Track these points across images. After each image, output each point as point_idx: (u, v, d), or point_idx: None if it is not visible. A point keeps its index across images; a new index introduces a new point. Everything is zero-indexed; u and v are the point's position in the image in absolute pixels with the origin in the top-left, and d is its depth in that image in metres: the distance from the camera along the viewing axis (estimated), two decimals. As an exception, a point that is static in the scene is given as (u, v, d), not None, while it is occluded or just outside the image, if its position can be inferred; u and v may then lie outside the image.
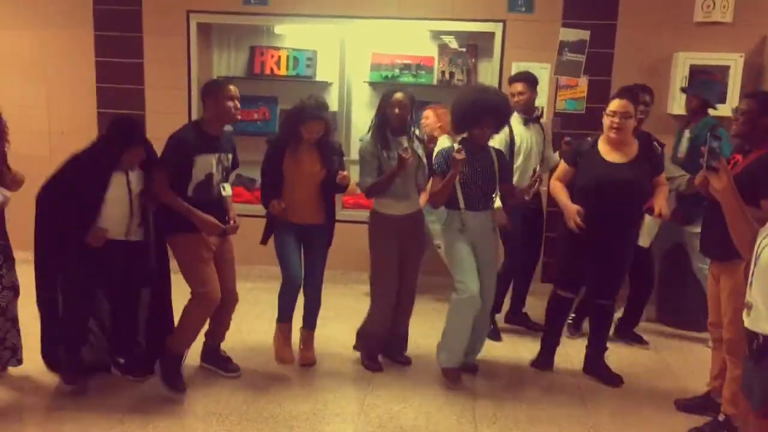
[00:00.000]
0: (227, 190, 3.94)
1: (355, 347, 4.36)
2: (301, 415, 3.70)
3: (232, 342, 4.32)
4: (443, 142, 4.81)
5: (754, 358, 2.43)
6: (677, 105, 5.33)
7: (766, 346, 2.37)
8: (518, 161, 4.67)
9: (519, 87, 4.74)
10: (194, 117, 5.88)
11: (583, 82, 5.53)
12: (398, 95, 4.00)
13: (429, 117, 5.21)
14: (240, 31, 6.16)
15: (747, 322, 2.45)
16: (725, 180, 2.47)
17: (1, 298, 3.77)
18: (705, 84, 5.02)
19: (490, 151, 4.05)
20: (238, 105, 3.82)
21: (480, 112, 3.84)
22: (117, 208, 3.68)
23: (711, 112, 4.86)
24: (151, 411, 3.66)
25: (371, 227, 4.17)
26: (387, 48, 6.03)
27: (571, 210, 3.95)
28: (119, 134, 3.67)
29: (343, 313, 5.08)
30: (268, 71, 6.08)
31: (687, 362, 4.61)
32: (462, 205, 3.94)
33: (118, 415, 3.60)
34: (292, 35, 6.16)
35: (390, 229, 4.09)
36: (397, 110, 3.98)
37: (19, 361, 3.94)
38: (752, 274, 2.40)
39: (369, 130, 4.12)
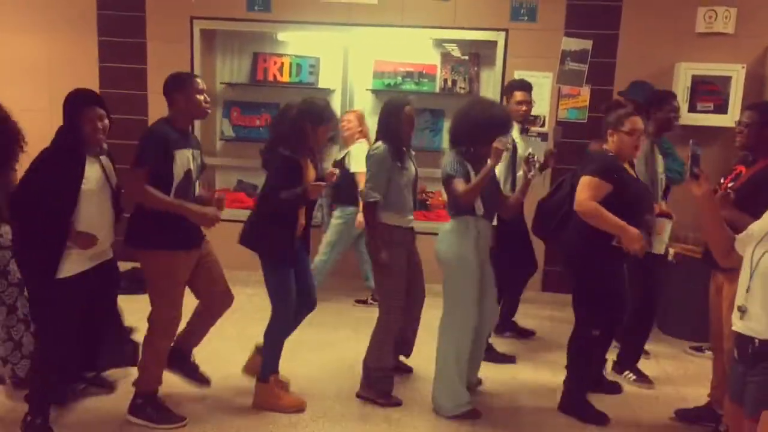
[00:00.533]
0: (198, 188, 3.71)
1: (362, 394, 3.97)
2: (300, 422, 3.69)
3: (236, 350, 4.31)
4: (362, 147, 4.95)
5: (749, 363, 2.44)
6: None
7: (762, 351, 2.39)
8: (519, 171, 4.64)
9: (522, 96, 4.68)
10: (196, 124, 5.89)
11: (585, 91, 5.55)
12: (409, 109, 3.86)
13: (351, 121, 5.28)
14: (243, 37, 6.19)
15: (740, 326, 2.47)
16: (705, 187, 2.60)
17: (8, 295, 3.70)
18: (636, 86, 5.02)
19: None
20: (208, 98, 3.59)
21: (492, 129, 3.68)
22: (96, 205, 3.37)
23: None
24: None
25: (382, 241, 3.82)
26: (390, 56, 6.05)
27: (634, 233, 3.50)
28: (70, 103, 3.42)
29: (340, 320, 5.08)
30: (271, 78, 6.10)
31: (687, 372, 4.60)
32: (480, 211, 3.73)
33: None
34: (295, 42, 6.18)
35: (401, 246, 3.92)
36: (410, 125, 3.91)
37: None
38: (750, 280, 2.43)
39: (375, 142, 3.94)
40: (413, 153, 4.07)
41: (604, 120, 3.87)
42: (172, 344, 3.69)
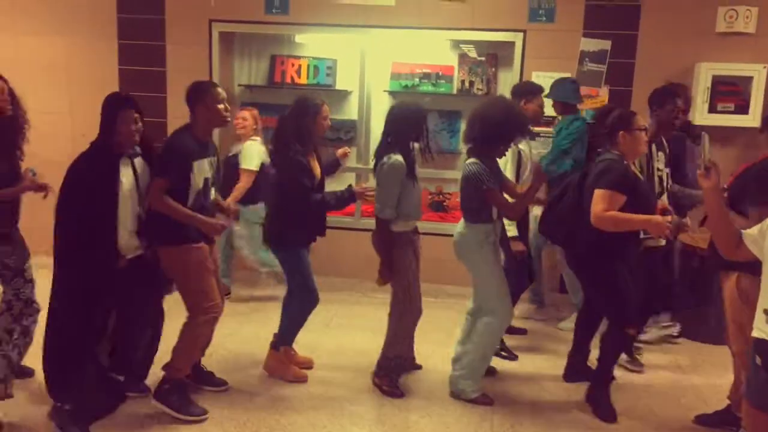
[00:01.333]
0: (213, 194, 3.80)
1: (377, 382, 4.12)
2: (318, 422, 3.71)
3: (250, 349, 4.33)
4: (254, 145, 5.12)
5: None
6: (699, 114, 5.29)
7: None
8: (525, 174, 4.59)
9: (542, 101, 4.70)
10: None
11: (603, 92, 5.51)
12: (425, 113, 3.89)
13: (247, 119, 5.31)
14: (261, 40, 6.22)
15: (765, 330, 2.41)
16: (713, 180, 2.62)
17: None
18: (559, 86, 5.00)
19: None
20: (228, 107, 3.70)
21: (514, 130, 3.81)
22: (125, 205, 3.44)
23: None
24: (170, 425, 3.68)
25: (389, 244, 3.89)
26: (407, 57, 6.05)
27: (659, 221, 3.53)
28: (107, 105, 3.43)
29: (357, 322, 5.08)
30: (288, 80, 6.13)
31: (709, 376, 4.55)
32: (495, 215, 3.90)
33: None
34: (312, 44, 6.20)
35: (409, 246, 3.98)
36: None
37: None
38: (763, 281, 2.40)
39: (387, 150, 3.84)
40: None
41: (604, 126, 3.86)
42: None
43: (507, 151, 3.96)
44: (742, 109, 5.27)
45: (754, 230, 2.55)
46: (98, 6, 6.00)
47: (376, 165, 3.90)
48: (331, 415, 3.80)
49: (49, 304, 3.46)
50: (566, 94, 4.91)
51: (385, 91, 6.06)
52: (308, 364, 4.37)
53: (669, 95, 4.43)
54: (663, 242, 4.25)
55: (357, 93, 5.97)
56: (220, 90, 3.65)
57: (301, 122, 3.93)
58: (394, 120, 3.86)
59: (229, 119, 3.74)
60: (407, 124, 3.84)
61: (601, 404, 3.90)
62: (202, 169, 3.60)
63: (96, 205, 3.35)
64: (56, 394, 3.48)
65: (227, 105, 3.67)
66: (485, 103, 3.91)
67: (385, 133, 3.89)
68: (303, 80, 6.12)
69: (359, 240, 4.46)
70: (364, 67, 5.87)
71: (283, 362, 4.21)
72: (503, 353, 4.66)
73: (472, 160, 3.84)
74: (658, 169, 4.32)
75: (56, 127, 5.97)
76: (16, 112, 3.61)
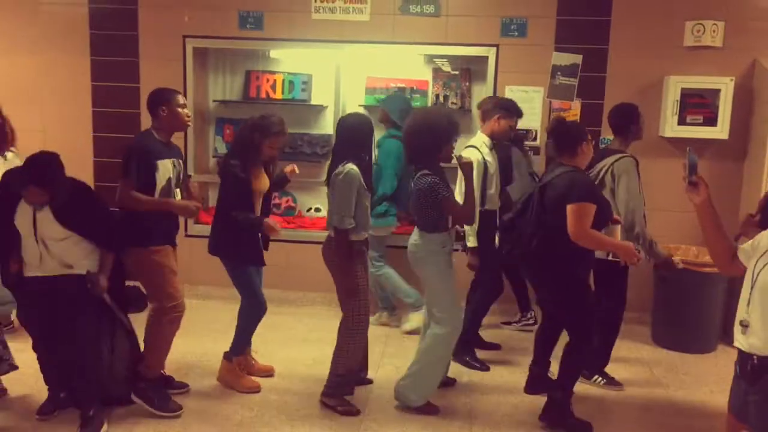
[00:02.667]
0: (178, 195, 3.95)
1: (326, 402, 4.05)
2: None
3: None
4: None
5: (749, 380, 2.43)
6: (669, 127, 5.39)
7: (761, 367, 2.38)
8: (491, 189, 4.64)
9: (515, 122, 4.75)
10: (190, 141, 5.91)
11: (576, 105, 5.59)
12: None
13: None
14: (236, 55, 6.21)
15: (741, 341, 2.46)
16: (703, 195, 2.57)
17: None
18: (390, 98, 5.17)
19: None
20: (189, 113, 3.94)
21: (446, 132, 3.84)
22: (27, 242, 3.53)
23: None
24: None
25: (348, 256, 3.89)
26: (382, 71, 6.08)
27: (630, 248, 3.77)
28: (25, 169, 3.45)
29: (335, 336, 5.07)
30: (263, 95, 6.12)
31: (682, 384, 4.61)
32: (450, 224, 3.95)
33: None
34: (287, 60, 6.21)
35: (360, 257, 4.00)
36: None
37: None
38: (750, 293, 2.42)
39: (337, 161, 3.88)
40: None
41: (562, 139, 3.87)
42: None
43: (452, 152, 3.95)
44: (711, 121, 5.36)
45: (747, 245, 2.57)
46: (71, 22, 5.95)
47: (329, 177, 3.92)
48: (310, 427, 3.79)
49: None
50: (388, 105, 5.11)
51: (360, 105, 6.08)
52: (269, 373, 4.46)
53: (637, 109, 4.50)
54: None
55: (332, 108, 5.98)
56: (179, 97, 3.90)
57: (254, 138, 4.04)
58: (343, 131, 3.92)
59: (189, 123, 3.98)
60: (357, 136, 3.90)
61: (567, 420, 3.86)
62: (166, 168, 3.80)
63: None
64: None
65: (187, 111, 3.92)
66: (409, 122, 3.94)
67: (336, 145, 3.96)
68: (278, 95, 6.12)
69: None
70: (339, 82, 5.89)
71: (236, 373, 4.25)
72: (475, 364, 4.68)
73: (423, 171, 3.86)
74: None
75: (30, 143, 5.87)
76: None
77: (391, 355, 4.81)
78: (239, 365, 4.30)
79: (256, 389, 4.21)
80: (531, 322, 5.50)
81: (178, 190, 3.94)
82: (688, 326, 5.18)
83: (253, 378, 4.29)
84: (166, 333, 3.88)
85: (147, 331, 3.88)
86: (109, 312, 3.72)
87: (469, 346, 4.74)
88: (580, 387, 4.41)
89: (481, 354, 4.83)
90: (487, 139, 4.64)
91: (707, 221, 2.61)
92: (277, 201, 5.89)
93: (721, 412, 2.39)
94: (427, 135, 3.82)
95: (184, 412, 3.90)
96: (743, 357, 2.46)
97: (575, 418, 3.87)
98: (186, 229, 5.94)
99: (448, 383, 4.34)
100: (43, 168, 3.39)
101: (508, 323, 5.60)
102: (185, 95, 5.83)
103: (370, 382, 4.38)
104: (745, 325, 2.44)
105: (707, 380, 4.66)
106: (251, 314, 4.23)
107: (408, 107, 5.21)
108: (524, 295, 5.49)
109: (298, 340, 5.09)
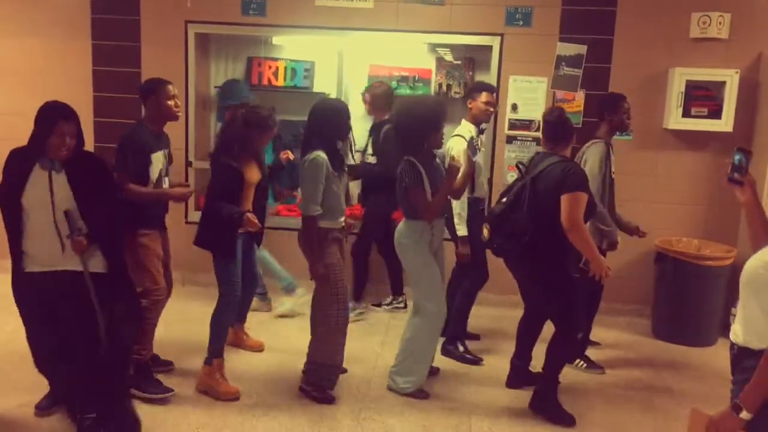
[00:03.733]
0: (167, 183, 4.05)
1: (303, 388, 4.04)
2: (296, 428, 3.68)
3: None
4: None
5: (731, 368, 2.46)
6: (673, 119, 5.36)
7: (738, 356, 2.40)
8: (480, 175, 4.67)
9: (489, 96, 4.64)
10: (191, 127, 5.88)
11: (579, 96, 5.56)
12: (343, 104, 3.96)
13: None
14: (238, 41, 6.17)
15: (732, 331, 2.46)
16: (749, 193, 2.52)
17: None
18: (229, 88, 5.16)
19: (436, 157, 4.10)
20: (179, 103, 3.97)
21: (430, 121, 3.87)
22: (38, 219, 3.26)
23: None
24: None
25: (321, 242, 3.85)
26: (385, 60, 6.04)
27: (603, 262, 3.78)
28: (41, 117, 3.28)
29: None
30: (265, 82, 6.08)
31: (683, 378, 4.61)
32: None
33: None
34: (290, 46, 6.17)
35: (335, 244, 3.96)
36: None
37: None
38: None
39: (309, 147, 3.82)
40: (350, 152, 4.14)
41: (561, 128, 3.88)
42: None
43: (440, 141, 3.98)
44: (716, 114, 5.33)
45: None
46: (72, 6, 5.90)
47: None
48: (310, 419, 3.79)
49: None
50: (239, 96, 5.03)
51: (362, 93, 6.04)
52: (259, 348, 4.67)
53: (619, 98, 4.55)
54: None
55: (335, 96, 5.94)
56: (170, 86, 3.93)
57: (246, 132, 4.06)
58: (315, 118, 3.88)
59: (179, 114, 4.01)
60: (329, 122, 3.85)
61: (554, 411, 3.88)
62: (158, 161, 3.90)
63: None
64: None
65: (177, 101, 3.96)
66: (396, 111, 3.98)
67: (307, 131, 3.91)
68: (280, 82, 6.08)
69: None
70: (341, 70, 5.86)
71: (215, 378, 4.02)
72: (468, 357, 4.65)
73: (406, 158, 3.90)
74: (612, 172, 4.45)
75: (29, 127, 5.85)
76: None
77: (391, 344, 4.80)
78: (232, 338, 4.46)
79: (235, 395, 3.98)
80: (402, 306, 5.57)
81: (167, 178, 4.06)
82: (688, 319, 5.18)
83: (230, 385, 4.04)
84: (150, 315, 3.93)
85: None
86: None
87: (459, 340, 4.72)
88: (580, 378, 4.44)
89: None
90: (471, 126, 4.62)
91: (752, 220, 2.53)
92: (277, 189, 5.86)
93: (723, 405, 2.37)
94: (414, 123, 3.86)
95: (187, 397, 3.91)
96: (731, 345, 2.47)
97: (561, 409, 3.89)
98: (186, 217, 5.92)
99: (432, 372, 4.31)
100: (67, 105, 3.30)
101: (379, 305, 5.67)
102: (186, 81, 5.85)
103: (345, 371, 4.29)
104: (733, 315, 2.48)
105: (708, 373, 4.65)
106: (226, 309, 4.07)
107: (238, 83, 5.22)
108: (398, 279, 5.53)
109: (296, 327, 5.07)
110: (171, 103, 3.91)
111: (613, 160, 4.48)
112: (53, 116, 3.22)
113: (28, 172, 3.24)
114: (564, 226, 3.62)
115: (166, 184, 4.03)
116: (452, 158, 4.05)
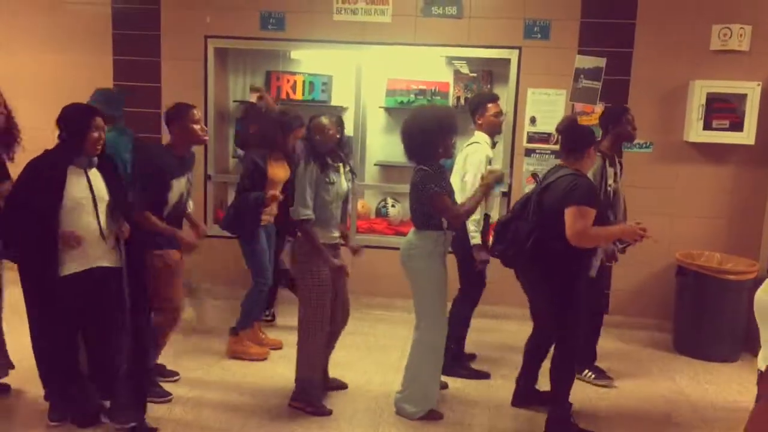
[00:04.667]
0: (191, 206, 4.19)
1: (294, 404, 4.00)
2: (313, 442, 3.67)
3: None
4: None
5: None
6: (694, 132, 5.31)
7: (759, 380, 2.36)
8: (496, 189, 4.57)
9: (497, 107, 4.58)
10: (210, 141, 5.90)
11: (598, 109, 5.51)
12: (317, 121, 3.95)
13: None
14: (257, 56, 6.22)
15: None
16: None
17: None
18: (103, 96, 4.80)
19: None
20: (205, 127, 4.03)
21: (444, 131, 3.80)
22: (81, 218, 3.37)
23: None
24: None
25: (308, 259, 3.86)
26: (403, 73, 6.06)
27: (631, 228, 3.71)
28: (76, 116, 3.43)
29: (348, 338, 5.04)
30: (284, 96, 6.12)
31: (706, 393, 4.54)
32: (446, 225, 3.84)
33: None
34: (308, 60, 6.21)
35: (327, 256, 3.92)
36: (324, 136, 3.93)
37: None
38: None
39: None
40: (348, 166, 4.14)
41: (571, 140, 3.82)
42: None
43: (452, 149, 3.92)
44: (737, 126, 5.28)
45: None
46: (94, 22, 5.99)
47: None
48: (320, 428, 3.77)
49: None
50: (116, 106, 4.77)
51: (380, 107, 6.07)
52: (277, 346, 4.89)
53: (622, 112, 4.52)
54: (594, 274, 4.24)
55: (353, 109, 5.96)
56: (195, 111, 3.97)
57: (277, 133, 4.66)
58: (308, 132, 3.99)
59: (205, 138, 4.06)
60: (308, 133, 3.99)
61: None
62: (180, 186, 3.92)
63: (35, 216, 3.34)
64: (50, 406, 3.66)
65: (203, 126, 4.01)
66: (408, 118, 3.89)
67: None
68: (298, 96, 6.12)
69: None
70: (359, 84, 5.87)
71: (243, 343, 4.70)
72: (474, 373, 4.56)
73: (420, 166, 3.83)
74: (609, 184, 4.38)
75: (50, 143, 5.92)
76: (10, 123, 3.82)
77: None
78: (248, 338, 4.75)
79: (264, 357, 4.67)
80: (269, 318, 5.46)
81: (190, 202, 4.15)
82: (710, 334, 5.10)
83: (261, 346, 4.75)
84: (167, 334, 4.02)
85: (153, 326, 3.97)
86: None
87: (461, 358, 4.62)
88: (596, 394, 4.38)
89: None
90: (486, 137, 4.54)
91: None
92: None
93: (744, 421, 2.33)
94: (424, 132, 3.80)
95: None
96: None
97: (580, 430, 3.80)
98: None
99: (442, 387, 4.23)
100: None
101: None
102: (206, 95, 5.90)
103: (346, 386, 4.30)
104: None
105: (730, 389, 4.58)
106: (258, 297, 4.72)
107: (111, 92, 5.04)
108: (273, 292, 5.33)
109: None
110: (196, 127, 3.93)
111: (617, 171, 4.42)
112: (88, 112, 3.45)
113: (64, 174, 3.36)
114: (569, 239, 3.54)
115: (190, 208, 4.14)
116: (492, 170, 4.00)
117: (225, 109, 6.22)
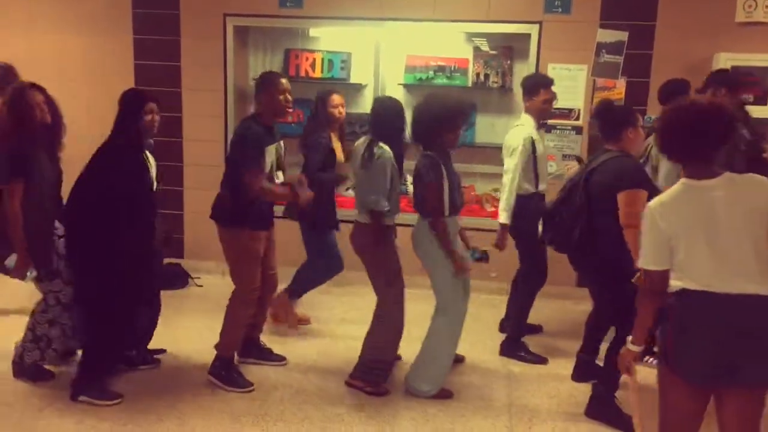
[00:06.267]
0: (281, 177, 4.02)
1: (351, 383, 4.04)
2: (335, 417, 3.71)
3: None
4: None
5: None
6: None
7: None
8: (542, 167, 4.57)
9: (549, 94, 4.54)
10: (230, 119, 5.95)
11: (620, 83, 5.46)
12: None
13: None
14: (275, 33, 6.21)
15: None
16: None
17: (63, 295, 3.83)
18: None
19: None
20: (289, 98, 3.89)
21: (453, 119, 3.80)
22: (143, 200, 3.75)
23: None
24: (187, 411, 3.72)
25: (381, 240, 3.92)
26: (422, 50, 6.02)
27: None
28: (129, 103, 3.72)
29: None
30: (303, 74, 6.12)
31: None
32: (448, 212, 3.82)
33: (153, 415, 3.66)
34: (326, 38, 6.19)
35: (392, 240, 4.02)
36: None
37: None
38: None
39: (371, 141, 3.91)
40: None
41: (606, 123, 3.76)
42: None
43: (456, 140, 3.91)
44: (762, 99, 5.21)
45: None
46: (113, 2, 6.01)
47: (363, 159, 3.97)
48: (348, 408, 3.81)
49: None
50: None
51: (399, 84, 6.04)
52: (306, 321, 4.98)
53: (682, 88, 4.47)
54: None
55: (372, 86, 5.95)
56: (283, 80, 3.87)
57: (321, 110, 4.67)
58: (378, 113, 4.05)
59: (290, 109, 3.97)
60: (390, 119, 4.00)
61: (613, 415, 3.73)
62: (271, 154, 3.85)
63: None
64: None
65: (288, 96, 3.87)
66: (420, 103, 3.88)
67: (373, 127, 4.09)
68: (317, 74, 6.11)
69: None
70: (378, 61, 5.85)
71: (290, 309, 4.83)
72: (530, 357, 4.53)
73: (425, 152, 3.82)
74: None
75: (73, 123, 5.95)
76: (55, 120, 3.81)
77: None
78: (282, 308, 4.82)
79: (295, 325, 4.82)
80: None
81: (280, 172, 4.02)
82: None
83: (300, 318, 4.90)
84: (239, 315, 3.98)
85: (226, 313, 4.02)
86: None
87: (520, 341, 4.61)
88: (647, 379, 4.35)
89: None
90: (531, 120, 4.51)
91: None
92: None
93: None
94: (429, 116, 3.78)
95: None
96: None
97: (622, 412, 3.73)
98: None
99: (458, 359, 4.29)
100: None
101: None
102: (225, 74, 5.93)
103: (399, 358, 4.34)
104: None
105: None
106: (320, 272, 4.80)
107: None
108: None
109: (337, 321, 5.11)
110: (281, 97, 3.83)
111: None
112: (142, 96, 3.75)
113: (142, 159, 3.68)
114: (622, 225, 3.49)
115: (280, 179, 3.99)
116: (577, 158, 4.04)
117: (245, 88, 6.23)
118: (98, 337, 3.75)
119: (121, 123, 3.68)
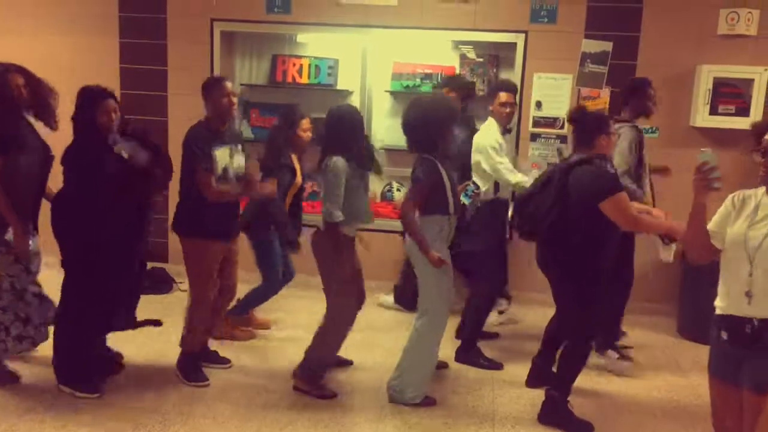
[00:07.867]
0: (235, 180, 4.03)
1: (299, 387, 4.04)
2: (320, 422, 3.71)
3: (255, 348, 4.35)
4: None
5: (748, 342, 2.52)
6: (700, 117, 5.30)
7: (760, 331, 2.48)
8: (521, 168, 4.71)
9: (507, 97, 4.61)
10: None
11: (605, 93, 5.52)
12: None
13: None
14: (263, 39, 6.21)
15: (744, 310, 2.54)
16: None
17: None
18: None
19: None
20: (233, 101, 3.96)
21: (443, 123, 3.80)
22: None
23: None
24: (170, 415, 3.70)
25: (337, 249, 3.88)
26: (408, 57, 6.04)
27: (680, 227, 3.41)
28: (84, 100, 3.83)
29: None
30: (290, 79, 6.12)
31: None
32: (452, 209, 3.83)
33: (132, 423, 3.63)
34: (314, 44, 6.20)
35: (351, 248, 4.02)
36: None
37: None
38: (752, 266, 2.52)
39: (322, 152, 3.92)
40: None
41: (578, 129, 3.82)
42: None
43: (452, 142, 3.96)
44: (743, 111, 5.27)
45: (712, 225, 2.72)
46: (100, 5, 5.99)
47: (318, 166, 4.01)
48: (332, 414, 3.81)
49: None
50: None
51: (386, 91, 6.06)
52: (266, 326, 5.02)
53: (644, 84, 4.60)
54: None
55: (358, 93, 5.96)
56: (226, 84, 3.96)
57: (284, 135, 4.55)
58: (332, 123, 3.96)
59: (234, 111, 4.02)
60: (345, 127, 3.94)
61: (566, 421, 3.74)
62: (222, 157, 3.89)
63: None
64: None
65: (232, 99, 3.95)
66: (412, 110, 3.84)
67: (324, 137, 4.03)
68: (304, 80, 6.12)
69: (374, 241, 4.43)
70: (365, 67, 5.87)
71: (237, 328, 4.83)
72: (485, 363, 4.53)
73: (424, 156, 3.81)
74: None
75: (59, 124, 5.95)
76: (41, 100, 3.98)
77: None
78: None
79: (266, 327, 4.97)
80: None
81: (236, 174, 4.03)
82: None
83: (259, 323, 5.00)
84: (201, 317, 4.08)
85: (188, 313, 4.09)
86: None
87: (475, 347, 4.60)
88: (600, 379, 4.40)
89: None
90: (495, 123, 4.62)
91: (701, 220, 2.70)
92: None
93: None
94: (429, 124, 3.77)
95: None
96: (736, 321, 2.56)
97: (574, 417, 3.76)
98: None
99: (441, 366, 4.31)
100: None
101: None
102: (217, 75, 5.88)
103: (351, 363, 4.41)
104: (750, 296, 2.52)
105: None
106: (269, 292, 4.79)
107: None
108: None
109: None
110: (225, 100, 3.91)
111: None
112: (94, 94, 3.89)
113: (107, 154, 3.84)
114: (626, 229, 3.63)
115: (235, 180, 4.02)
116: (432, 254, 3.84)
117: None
118: (77, 307, 3.77)
119: (77, 122, 3.80)
